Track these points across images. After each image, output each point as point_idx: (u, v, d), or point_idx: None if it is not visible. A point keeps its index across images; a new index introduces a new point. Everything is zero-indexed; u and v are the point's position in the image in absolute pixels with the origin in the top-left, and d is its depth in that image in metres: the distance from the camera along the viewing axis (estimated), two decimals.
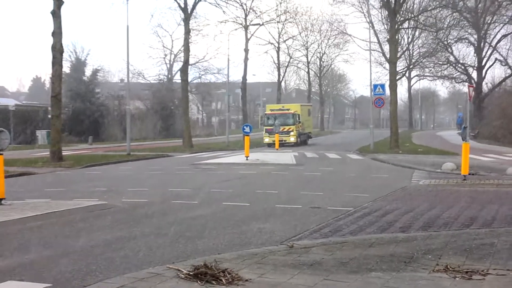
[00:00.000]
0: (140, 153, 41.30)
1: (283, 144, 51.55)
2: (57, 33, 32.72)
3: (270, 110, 56.81)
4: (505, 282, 8.12)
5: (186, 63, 49.83)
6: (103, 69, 77.18)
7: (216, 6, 52.73)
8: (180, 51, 52.85)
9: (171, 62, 55.59)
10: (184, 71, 50.84)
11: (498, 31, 60.15)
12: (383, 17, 49.10)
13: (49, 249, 11.07)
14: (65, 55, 35.52)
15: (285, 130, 52.81)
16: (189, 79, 54.35)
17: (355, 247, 10.24)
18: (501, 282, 8.13)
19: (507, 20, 57.20)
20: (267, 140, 53.20)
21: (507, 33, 58.22)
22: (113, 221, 14.30)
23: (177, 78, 55.43)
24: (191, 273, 8.06)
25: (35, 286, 8.34)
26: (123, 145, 46.16)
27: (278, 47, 72.87)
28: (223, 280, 7.84)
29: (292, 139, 53.49)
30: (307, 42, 79.30)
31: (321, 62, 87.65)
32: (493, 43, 61.50)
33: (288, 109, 55.30)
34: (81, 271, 9.16)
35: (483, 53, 63.49)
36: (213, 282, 7.81)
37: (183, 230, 13.08)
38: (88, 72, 71.93)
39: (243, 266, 8.72)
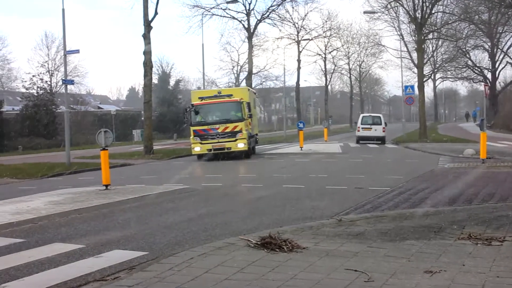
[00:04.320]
0: None
1: (224, 155, 28.12)
2: (147, 52, 33.22)
3: (200, 98, 29.14)
4: None
5: (250, 73, 49.98)
6: (183, 79, 78.15)
7: (274, 26, 53.00)
8: (245, 63, 52.89)
9: (238, 72, 55.88)
10: (248, 79, 51.06)
11: (509, 39, 58.58)
12: (411, 30, 48.19)
13: (145, 224, 11.27)
14: (153, 69, 36.01)
15: (226, 130, 27.55)
16: (253, 85, 54.40)
17: (392, 220, 10.09)
18: None
19: None
20: (197, 149, 27.92)
21: None
22: (195, 202, 14.46)
23: (243, 85, 55.57)
24: (258, 242, 8.08)
25: (135, 254, 8.50)
26: None
27: (325, 58, 72.28)
28: (285, 248, 7.84)
29: (241, 145, 27.57)
30: (348, 53, 78.42)
31: (361, 69, 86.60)
32: (505, 49, 59.87)
33: (229, 95, 29.28)
34: (171, 242, 9.29)
35: (496, 58, 61.83)
36: (277, 250, 7.82)
37: (251, 208, 13.14)
38: (172, 82, 72.92)
39: (301, 236, 8.70)
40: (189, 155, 33.12)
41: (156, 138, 47.73)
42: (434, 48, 65.76)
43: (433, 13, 46.09)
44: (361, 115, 44.50)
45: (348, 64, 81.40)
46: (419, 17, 43.86)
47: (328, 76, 76.03)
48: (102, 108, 71.86)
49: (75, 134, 46.45)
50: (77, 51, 32.63)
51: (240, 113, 28.12)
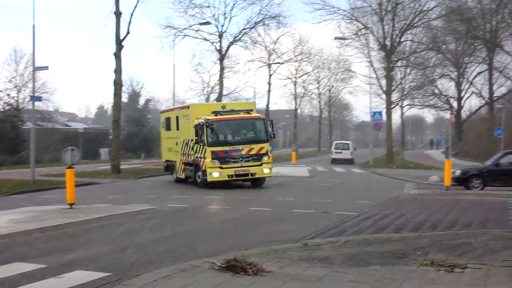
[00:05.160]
0: None
1: (254, 182, 24.08)
2: (118, 71, 33.04)
3: (213, 112, 23.51)
4: (481, 274, 8.00)
5: (220, 94, 50.04)
6: (154, 98, 77.66)
7: (246, 49, 52.97)
8: (215, 85, 52.81)
9: (208, 94, 55.87)
10: (219, 101, 51.12)
11: (474, 69, 59.88)
12: (380, 57, 48.91)
13: (109, 245, 11.12)
14: (123, 88, 35.90)
15: (251, 152, 22.94)
16: None
17: (357, 245, 10.15)
18: (477, 274, 8.02)
19: (481, 60, 56.88)
20: (216, 174, 22.70)
21: (481, 70, 57.80)
22: (161, 222, 14.33)
23: None
24: (223, 265, 8.04)
25: (98, 275, 8.37)
26: None
27: (295, 81, 72.83)
28: (249, 271, 7.82)
29: (267, 170, 23.41)
30: (318, 77, 79.13)
31: (330, 94, 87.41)
32: (470, 79, 61.15)
33: (248, 110, 24.31)
34: (135, 263, 9.18)
35: (462, 87, 63.11)
36: (242, 273, 7.79)
37: (217, 230, 13.08)
38: (142, 101, 72.55)
39: (266, 260, 8.68)
40: (157, 175, 32.89)
41: (124, 157, 47.30)
42: (402, 75, 66.86)
43: (402, 42, 46.94)
44: (334, 142, 53.65)
45: (318, 88, 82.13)
46: (389, 45, 44.66)
47: (298, 100, 76.54)
48: (69, 126, 71.04)
49: (41, 151, 45.72)
50: (46, 68, 32.36)
51: (264, 132, 23.47)
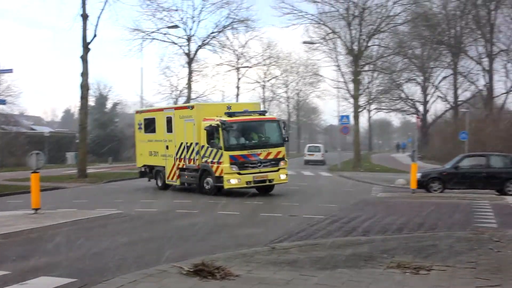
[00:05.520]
0: None
1: (264, 188, 22.19)
2: (85, 74, 32.66)
3: (227, 114, 21.68)
4: (446, 276, 8.11)
5: (189, 98, 49.85)
6: (121, 102, 76.97)
7: (214, 52, 52.89)
8: (184, 88, 52.62)
9: (177, 97, 55.62)
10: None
11: (439, 74, 60.85)
12: (348, 62, 49.29)
13: (75, 250, 10.96)
14: (90, 91, 35.48)
15: (269, 157, 21.32)
16: None
17: (325, 248, 10.19)
18: (442, 276, 8.13)
19: (446, 65, 57.88)
20: (234, 181, 20.85)
21: (446, 75, 58.82)
22: (128, 227, 14.19)
23: None
24: (191, 270, 7.99)
25: (63, 281, 8.24)
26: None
27: (264, 85, 73.13)
28: (217, 275, 7.79)
29: (283, 176, 21.87)
30: (287, 81, 79.67)
31: (298, 97, 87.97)
32: (436, 83, 62.13)
33: (262, 111, 23.70)
34: (101, 269, 9.07)
35: (428, 91, 64.10)
36: (209, 277, 7.75)
37: (185, 234, 13.01)
38: (109, 105, 71.86)
39: (234, 264, 8.65)
40: (125, 179, 32.60)
41: (91, 161, 46.76)
42: (369, 79, 67.62)
43: (369, 46, 47.44)
44: (307, 145, 57.60)
45: (286, 92, 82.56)
46: (356, 50, 45.10)
47: (266, 104, 76.77)
48: (35, 130, 69.95)
49: (6, 155, 44.92)
50: (11, 71, 31.87)
51: (279, 135, 22.06)
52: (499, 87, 52.39)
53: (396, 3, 44.08)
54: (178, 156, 23.38)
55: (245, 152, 21.00)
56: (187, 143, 22.71)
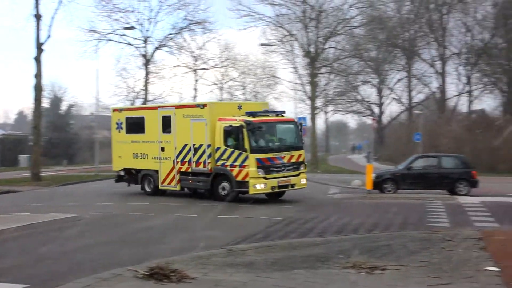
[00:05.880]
0: (106, 173, 40.48)
1: (275, 193, 20.57)
2: (38, 75, 32.06)
3: (248, 113, 20.29)
4: (400, 275, 8.25)
5: (145, 100, 49.44)
6: (77, 104, 75.77)
7: (171, 54, 52.62)
8: (141, 90, 52.13)
9: (134, 99, 55.10)
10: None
11: (394, 76, 61.87)
12: (305, 64, 49.67)
13: (28, 254, 10.75)
14: (44, 93, 34.83)
15: (292, 160, 20.08)
16: None
17: (281, 250, 10.25)
18: (396, 275, 8.26)
19: (400, 68, 58.91)
20: (260, 186, 19.24)
21: (400, 77, 59.84)
22: (83, 231, 13.98)
23: None
24: (147, 273, 7.93)
25: (14, 287, 8.06)
26: (92, 167, 45.21)
27: (221, 87, 73.02)
28: (173, 278, 7.75)
29: (303, 181, 20.68)
30: (244, 83, 79.71)
31: (256, 99, 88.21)
32: (390, 86, 63.16)
33: (281, 112, 22.21)
34: (55, 274, 8.92)
35: (383, 93, 65.12)
36: (165, 280, 7.70)
37: (141, 237, 12.89)
38: (64, 107, 70.70)
39: (190, 266, 8.62)
40: (79, 182, 32.10)
41: (45, 164, 45.87)
42: (326, 82, 68.35)
43: (326, 49, 47.91)
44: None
45: (244, 94, 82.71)
46: (313, 52, 45.50)
47: None
48: None
49: None
50: None
51: (299, 138, 21.14)
52: (451, 89, 53.60)
53: (352, 6, 44.71)
54: (180, 159, 21.36)
55: (270, 155, 19.47)
56: (194, 144, 20.76)
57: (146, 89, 49.42)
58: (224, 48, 67.23)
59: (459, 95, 52.78)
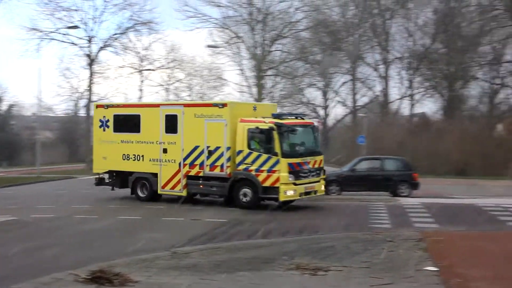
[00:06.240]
0: (49, 175, 39.56)
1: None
2: None
3: (275, 115, 19.38)
4: (342, 276, 8.38)
5: (89, 100, 48.66)
6: (18, 104, 73.79)
7: (116, 54, 52.05)
8: (85, 90, 51.26)
9: (78, 99, 54.18)
10: (87, 107, 49.72)
11: (339, 80, 62.76)
12: (252, 66, 49.94)
13: None
14: None
15: (315, 166, 19.18)
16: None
17: (226, 252, 10.25)
18: (339, 276, 8.39)
19: (345, 71, 59.82)
20: (291, 193, 18.02)
21: (345, 81, 60.76)
22: (23, 234, 13.62)
23: (83, 112, 53.96)
24: (88, 277, 7.79)
25: None
26: (34, 169, 44.15)
27: (167, 88, 72.46)
28: (115, 282, 7.64)
29: (323, 187, 19.73)
30: (191, 85, 79.35)
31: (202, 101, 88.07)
32: (335, 89, 64.07)
33: (301, 115, 22.26)
34: None
35: (328, 96, 66.03)
36: (107, 284, 7.59)
37: (83, 240, 12.65)
38: (4, 106, 68.76)
39: (134, 270, 8.52)
40: (20, 184, 31.24)
41: None
42: (273, 84, 68.85)
43: (272, 51, 48.28)
44: None
45: (190, 95, 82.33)
46: (259, 54, 45.77)
47: None
48: None
49: None
50: None
51: (318, 142, 20.52)
52: (394, 93, 54.78)
53: (298, 10, 45.21)
54: (188, 161, 19.51)
55: (299, 160, 18.37)
56: (208, 146, 19.06)
57: (90, 90, 48.68)
58: (170, 49, 66.69)
59: (401, 98, 54.02)
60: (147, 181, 20.47)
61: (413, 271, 8.68)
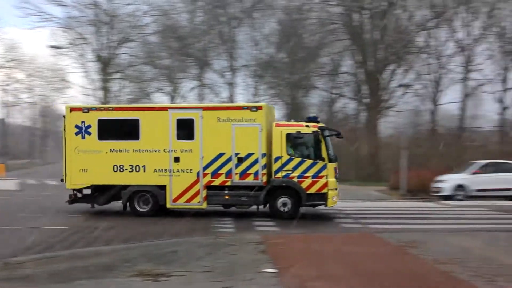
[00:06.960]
0: None
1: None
2: None
3: (309, 119, 18.57)
4: (184, 281, 8.40)
5: None
6: None
7: None
8: None
9: None
10: None
11: (187, 85, 63.08)
12: (98, 69, 48.55)
13: None
14: None
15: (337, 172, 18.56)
16: None
17: (64, 260, 9.85)
18: (181, 281, 8.40)
19: (193, 77, 60.20)
20: (335, 199, 17.82)
21: (193, 86, 61.18)
22: None
23: None
24: None
25: None
26: None
27: (5, 89, 68.34)
28: None
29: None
30: (31, 86, 75.52)
31: (45, 104, 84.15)
32: (183, 94, 64.36)
33: (315, 119, 18.89)
34: None
35: (175, 101, 66.08)
36: None
37: None
38: None
39: None
40: None
41: None
42: (119, 87, 67.49)
43: (119, 54, 47.32)
44: None
45: (32, 97, 78.29)
46: (105, 57, 44.62)
47: (7, 109, 71.86)
48: None
49: None
50: None
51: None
52: (240, 99, 55.98)
53: (146, 14, 44.75)
54: (209, 170, 17.78)
55: (335, 165, 17.87)
56: (238, 153, 17.58)
57: None
58: (9, 48, 63.12)
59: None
60: (152, 194, 18.12)
61: (253, 273, 8.90)
